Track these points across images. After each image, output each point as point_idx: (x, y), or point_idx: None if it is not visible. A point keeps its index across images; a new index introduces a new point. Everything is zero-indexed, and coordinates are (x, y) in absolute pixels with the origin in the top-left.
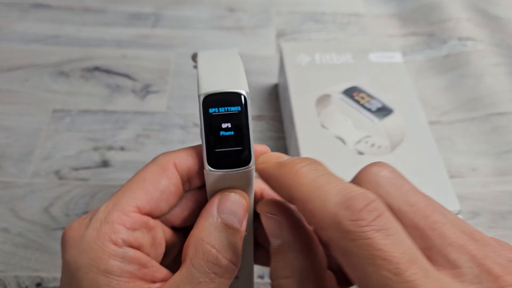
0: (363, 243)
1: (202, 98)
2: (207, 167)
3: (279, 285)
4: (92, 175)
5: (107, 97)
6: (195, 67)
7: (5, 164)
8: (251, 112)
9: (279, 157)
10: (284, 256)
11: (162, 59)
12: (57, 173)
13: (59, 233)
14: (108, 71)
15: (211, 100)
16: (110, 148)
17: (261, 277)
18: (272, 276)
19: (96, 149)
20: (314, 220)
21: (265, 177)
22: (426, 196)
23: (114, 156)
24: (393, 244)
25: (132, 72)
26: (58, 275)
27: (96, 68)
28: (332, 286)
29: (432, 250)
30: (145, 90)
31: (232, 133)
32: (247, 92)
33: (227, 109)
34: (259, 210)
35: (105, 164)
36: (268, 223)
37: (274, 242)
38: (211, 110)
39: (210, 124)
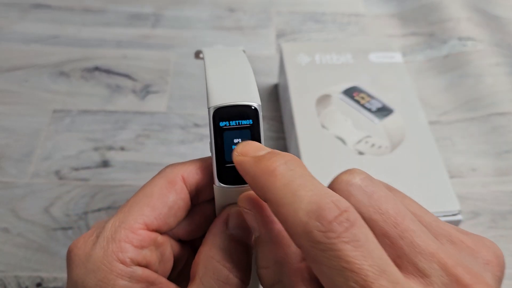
0: (332, 254)
1: (212, 111)
2: (217, 182)
3: (260, 273)
4: (92, 175)
5: (107, 97)
6: (197, 58)
7: (5, 164)
8: (263, 125)
9: (258, 149)
10: (261, 247)
11: (162, 59)
12: (57, 173)
13: (59, 234)
14: (108, 71)
15: (222, 113)
16: (110, 148)
17: None
18: (256, 265)
19: (96, 149)
20: (285, 225)
21: (241, 172)
22: (399, 200)
23: (114, 156)
24: (362, 255)
25: (132, 72)
26: (58, 275)
27: (96, 68)
28: (310, 276)
29: (402, 258)
30: (145, 90)
31: None
32: (259, 105)
33: (239, 123)
34: (238, 204)
35: (105, 164)
36: (247, 217)
37: (255, 234)
38: (221, 124)
39: (221, 138)
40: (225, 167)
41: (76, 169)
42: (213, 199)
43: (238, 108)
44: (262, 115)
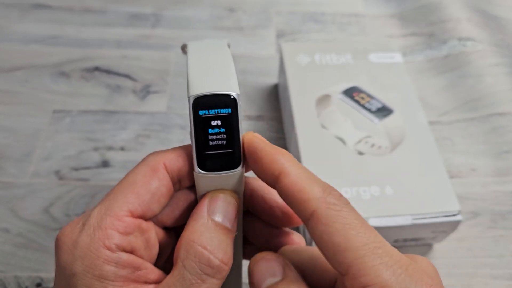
0: (345, 213)
1: (192, 100)
2: (197, 169)
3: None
4: (92, 175)
5: (107, 98)
6: (184, 53)
7: (5, 164)
8: (242, 114)
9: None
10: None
11: (162, 59)
12: (57, 173)
13: None
14: (108, 72)
15: (201, 102)
16: (110, 148)
17: None
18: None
19: (96, 149)
20: (302, 194)
21: (252, 147)
22: None
23: (114, 156)
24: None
25: (132, 72)
26: None
27: (96, 69)
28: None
29: None
30: (145, 90)
31: (222, 135)
32: (237, 94)
33: (218, 111)
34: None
35: (105, 164)
36: None
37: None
38: (201, 112)
39: (200, 126)
40: (204, 154)
41: (76, 169)
42: (194, 185)
43: (217, 97)
44: (262, 115)
